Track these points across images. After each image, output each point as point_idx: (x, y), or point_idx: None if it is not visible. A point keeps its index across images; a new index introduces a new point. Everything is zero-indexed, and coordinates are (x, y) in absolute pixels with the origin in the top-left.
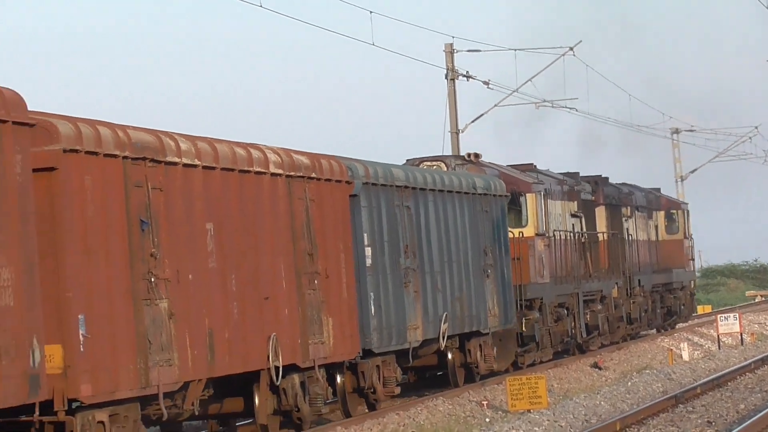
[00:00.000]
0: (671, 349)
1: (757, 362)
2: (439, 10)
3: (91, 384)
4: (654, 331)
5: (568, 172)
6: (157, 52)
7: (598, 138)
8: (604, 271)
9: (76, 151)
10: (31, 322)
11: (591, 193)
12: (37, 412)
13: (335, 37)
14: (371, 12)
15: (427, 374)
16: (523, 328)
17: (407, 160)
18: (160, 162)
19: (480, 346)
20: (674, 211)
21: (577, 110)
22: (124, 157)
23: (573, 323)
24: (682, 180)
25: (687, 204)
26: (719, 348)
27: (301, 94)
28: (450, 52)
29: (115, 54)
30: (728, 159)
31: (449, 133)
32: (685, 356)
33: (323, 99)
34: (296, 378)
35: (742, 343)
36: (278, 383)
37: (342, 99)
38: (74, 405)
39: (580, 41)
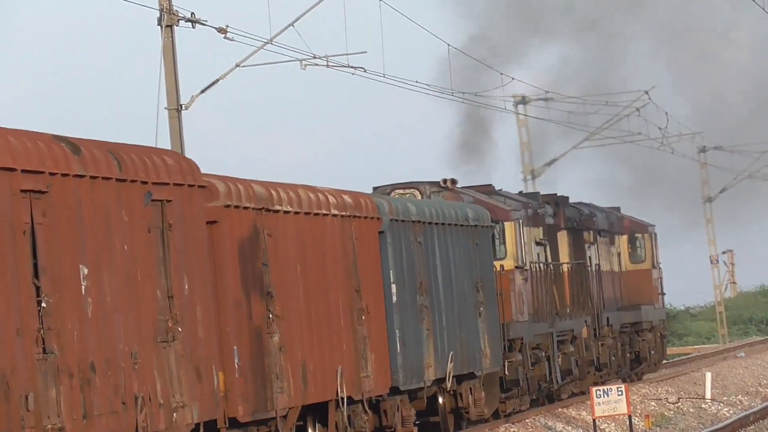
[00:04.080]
0: None
1: None
2: None
3: (242, 406)
4: (620, 381)
5: (528, 193)
6: None
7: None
8: (570, 308)
9: (228, 206)
10: (212, 350)
11: (552, 215)
12: (202, 429)
13: None
14: None
15: (417, 421)
16: (506, 372)
17: (375, 188)
18: (269, 210)
19: (470, 389)
20: (639, 235)
21: (365, 71)
22: (253, 208)
23: (548, 367)
24: (532, 178)
25: (654, 226)
26: None
27: None
28: None
29: None
30: (608, 142)
31: (166, 110)
32: None
33: None
34: (345, 411)
35: None
36: (345, 414)
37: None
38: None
39: None
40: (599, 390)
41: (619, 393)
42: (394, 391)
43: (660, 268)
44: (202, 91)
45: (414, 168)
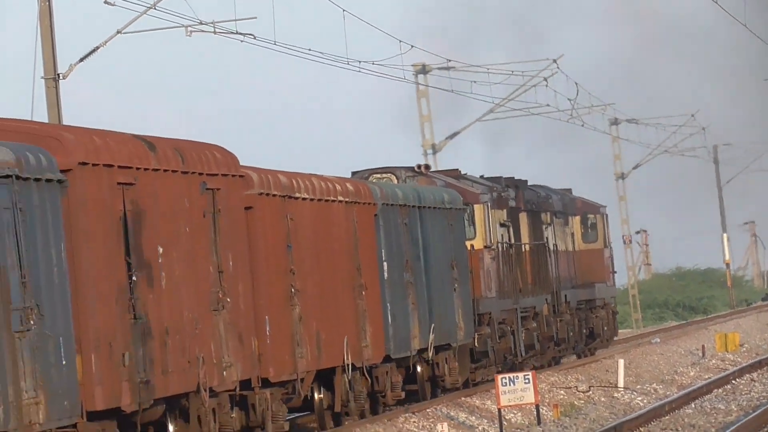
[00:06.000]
0: None
1: None
2: None
3: (273, 368)
4: (575, 357)
5: (491, 177)
6: None
7: None
8: (532, 286)
9: (261, 194)
10: (250, 319)
11: (514, 198)
12: (237, 389)
13: None
14: None
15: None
16: (476, 344)
17: (353, 173)
18: (291, 197)
19: (446, 359)
20: (591, 216)
21: (255, 37)
22: (280, 196)
23: (513, 341)
24: (433, 152)
25: (605, 207)
26: (501, 431)
27: None
28: None
29: None
30: (514, 114)
31: (43, 80)
32: None
33: None
34: (346, 378)
35: (539, 423)
36: (349, 378)
37: None
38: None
39: None
40: (505, 378)
41: (526, 381)
42: (385, 359)
43: (611, 248)
44: (81, 60)
45: (307, 142)
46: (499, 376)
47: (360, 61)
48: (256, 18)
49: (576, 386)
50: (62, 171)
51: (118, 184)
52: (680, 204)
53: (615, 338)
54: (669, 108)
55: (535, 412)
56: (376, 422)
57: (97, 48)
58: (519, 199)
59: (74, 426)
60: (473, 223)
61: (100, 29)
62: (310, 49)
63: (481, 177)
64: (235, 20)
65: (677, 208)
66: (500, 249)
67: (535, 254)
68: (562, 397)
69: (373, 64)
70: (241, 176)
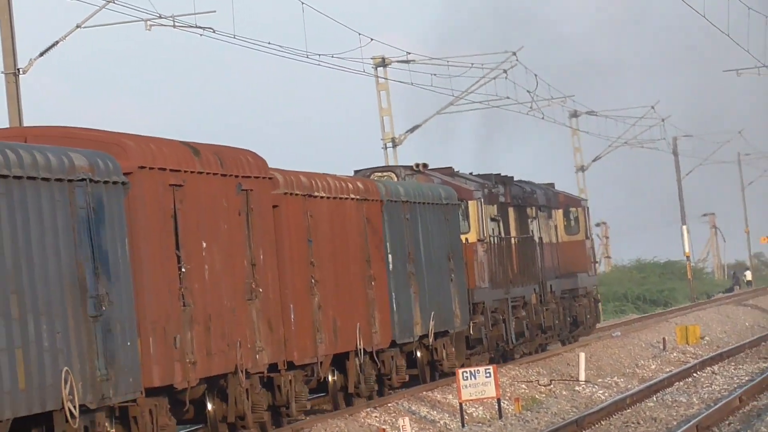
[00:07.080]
0: (383, 430)
1: None
2: None
3: (297, 352)
4: (559, 344)
5: (482, 174)
6: None
7: None
8: (521, 277)
9: (285, 193)
10: (278, 307)
11: (503, 194)
12: (265, 371)
13: None
14: None
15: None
16: (471, 332)
17: (356, 171)
18: (311, 196)
19: (444, 345)
20: (573, 209)
21: (214, 31)
22: (301, 195)
23: (505, 328)
24: (393, 146)
25: (586, 200)
26: (463, 425)
27: None
28: None
29: None
30: (475, 107)
31: (2, 75)
32: None
33: None
34: (357, 360)
35: (500, 417)
36: (361, 362)
37: None
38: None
39: None
40: (466, 372)
41: (487, 375)
42: (390, 344)
43: (592, 239)
44: (41, 54)
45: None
46: (461, 371)
47: (319, 55)
48: (215, 12)
49: (537, 380)
50: (124, 174)
51: (170, 185)
52: (640, 196)
53: (597, 325)
54: (628, 100)
55: (496, 406)
56: (338, 417)
57: (57, 42)
58: (507, 194)
59: (134, 401)
60: (467, 218)
61: (59, 24)
62: (269, 43)
63: (471, 174)
64: (195, 14)
65: (637, 200)
66: (492, 242)
67: (522, 247)
68: (523, 390)
69: (332, 57)
70: (269, 178)
